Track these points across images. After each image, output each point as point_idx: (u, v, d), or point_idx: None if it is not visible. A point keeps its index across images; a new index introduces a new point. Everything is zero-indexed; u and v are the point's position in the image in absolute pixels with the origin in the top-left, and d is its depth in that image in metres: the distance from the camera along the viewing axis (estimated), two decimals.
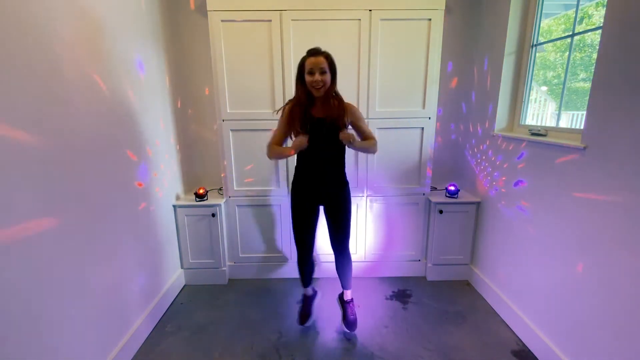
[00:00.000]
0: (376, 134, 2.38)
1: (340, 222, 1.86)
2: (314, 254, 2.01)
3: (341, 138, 1.65)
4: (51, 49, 1.30)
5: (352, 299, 2.07)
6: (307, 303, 2.11)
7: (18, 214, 1.15)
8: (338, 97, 1.71)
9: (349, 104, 1.75)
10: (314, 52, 1.61)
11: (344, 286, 2.04)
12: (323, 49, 1.65)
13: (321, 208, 1.91)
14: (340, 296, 2.11)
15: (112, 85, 1.68)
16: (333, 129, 1.67)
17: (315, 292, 2.17)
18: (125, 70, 1.80)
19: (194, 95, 2.57)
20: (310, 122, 1.68)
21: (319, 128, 1.68)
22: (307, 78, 1.60)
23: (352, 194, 1.93)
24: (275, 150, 1.74)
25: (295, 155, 1.79)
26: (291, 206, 1.89)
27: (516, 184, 2.01)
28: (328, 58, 1.61)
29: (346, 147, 1.73)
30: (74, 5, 1.44)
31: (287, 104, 1.75)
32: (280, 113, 1.77)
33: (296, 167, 1.83)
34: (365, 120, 1.74)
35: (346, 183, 1.87)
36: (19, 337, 1.15)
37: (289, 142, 1.76)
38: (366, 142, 1.78)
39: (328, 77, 1.61)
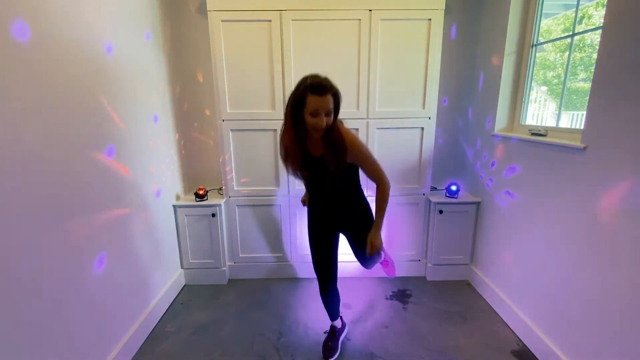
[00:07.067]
0: (376, 133, 2.39)
1: (361, 249, 1.68)
2: (336, 283, 1.80)
3: (370, 254, 1.59)
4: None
5: (340, 328, 1.95)
6: (333, 336, 1.90)
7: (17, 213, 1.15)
8: (338, 132, 1.42)
9: (351, 143, 1.45)
10: (320, 90, 1.29)
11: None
12: (327, 78, 1.34)
13: (341, 235, 1.76)
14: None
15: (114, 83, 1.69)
16: (334, 164, 1.47)
17: (344, 325, 1.99)
18: (125, 71, 1.81)
19: (194, 95, 2.57)
20: (309, 162, 1.50)
21: (319, 167, 1.49)
22: (310, 119, 1.33)
23: None
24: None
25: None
26: (308, 228, 1.77)
27: (516, 184, 2.01)
28: (335, 96, 1.33)
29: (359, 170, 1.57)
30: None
31: (281, 137, 1.50)
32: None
33: (309, 194, 1.71)
34: (371, 158, 1.52)
35: (362, 206, 1.67)
36: (17, 338, 1.15)
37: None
38: (380, 208, 1.56)
39: (332, 118, 1.36)
